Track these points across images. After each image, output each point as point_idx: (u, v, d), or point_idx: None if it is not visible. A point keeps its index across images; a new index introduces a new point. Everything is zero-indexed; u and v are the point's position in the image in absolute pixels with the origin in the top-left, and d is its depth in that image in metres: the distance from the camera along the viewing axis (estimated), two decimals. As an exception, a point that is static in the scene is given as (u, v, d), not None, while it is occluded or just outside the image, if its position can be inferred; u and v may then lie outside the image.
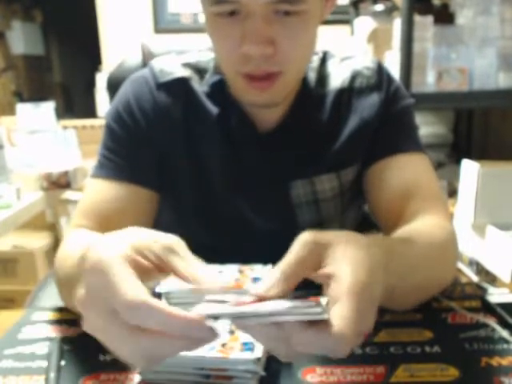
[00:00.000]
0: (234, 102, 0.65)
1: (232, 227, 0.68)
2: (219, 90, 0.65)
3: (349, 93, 0.67)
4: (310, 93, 0.66)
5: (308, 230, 0.37)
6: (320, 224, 0.68)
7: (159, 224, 0.76)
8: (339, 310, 0.32)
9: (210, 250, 0.63)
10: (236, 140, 0.65)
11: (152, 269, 0.37)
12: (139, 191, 0.63)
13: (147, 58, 0.84)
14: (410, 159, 0.65)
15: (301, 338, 0.31)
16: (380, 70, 0.68)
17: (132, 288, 0.33)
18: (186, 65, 0.68)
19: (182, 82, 0.66)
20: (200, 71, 0.68)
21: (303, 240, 0.36)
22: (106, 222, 0.60)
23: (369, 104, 0.66)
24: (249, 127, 0.65)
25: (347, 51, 0.71)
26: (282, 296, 0.34)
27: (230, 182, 0.66)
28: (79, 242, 0.53)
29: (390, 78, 0.69)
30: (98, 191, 0.63)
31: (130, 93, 0.66)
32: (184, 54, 0.70)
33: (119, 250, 0.36)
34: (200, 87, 0.66)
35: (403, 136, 0.67)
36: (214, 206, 0.68)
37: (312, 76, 0.67)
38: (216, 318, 0.32)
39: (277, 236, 0.66)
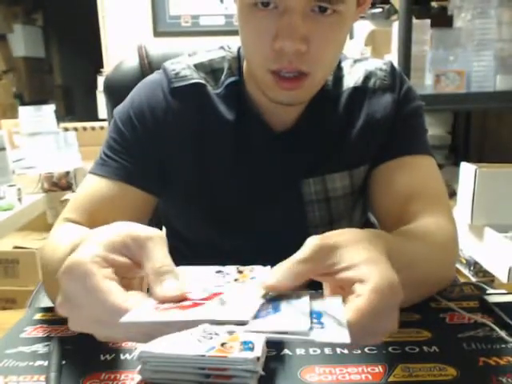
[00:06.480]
0: (249, 103, 0.65)
1: (244, 227, 0.67)
2: (234, 92, 0.65)
3: (362, 92, 0.67)
4: (326, 94, 0.66)
5: (317, 230, 0.38)
6: (329, 222, 0.68)
7: (171, 228, 0.75)
8: (356, 302, 0.33)
9: (220, 250, 0.63)
10: (250, 141, 0.65)
11: (130, 265, 0.38)
12: (136, 193, 0.63)
13: (144, 60, 0.85)
14: (418, 161, 0.65)
15: None
16: (393, 72, 0.69)
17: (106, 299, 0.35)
18: (200, 66, 0.67)
19: (197, 87, 0.65)
20: (214, 71, 0.67)
21: (309, 242, 0.37)
22: (94, 219, 0.59)
23: (382, 104, 0.66)
24: (264, 128, 0.65)
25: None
26: (287, 293, 0.35)
27: (243, 183, 0.66)
28: (67, 236, 0.53)
29: (402, 79, 0.69)
30: (93, 188, 0.62)
31: (144, 96, 0.65)
32: (196, 55, 0.69)
33: (91, 252, 0.36)
34: (214, 90, 0.65)
35: (413, 138, 0.67)
36: (225, 206, 0.67)
37: (329, 77, 0.67)
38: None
39: (287, 234, 0.66)
